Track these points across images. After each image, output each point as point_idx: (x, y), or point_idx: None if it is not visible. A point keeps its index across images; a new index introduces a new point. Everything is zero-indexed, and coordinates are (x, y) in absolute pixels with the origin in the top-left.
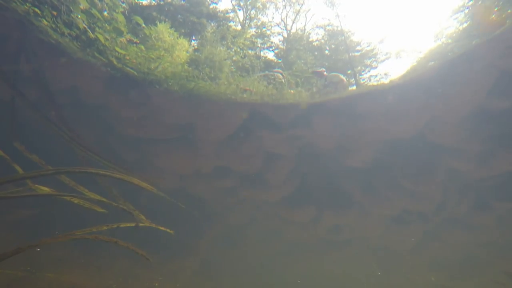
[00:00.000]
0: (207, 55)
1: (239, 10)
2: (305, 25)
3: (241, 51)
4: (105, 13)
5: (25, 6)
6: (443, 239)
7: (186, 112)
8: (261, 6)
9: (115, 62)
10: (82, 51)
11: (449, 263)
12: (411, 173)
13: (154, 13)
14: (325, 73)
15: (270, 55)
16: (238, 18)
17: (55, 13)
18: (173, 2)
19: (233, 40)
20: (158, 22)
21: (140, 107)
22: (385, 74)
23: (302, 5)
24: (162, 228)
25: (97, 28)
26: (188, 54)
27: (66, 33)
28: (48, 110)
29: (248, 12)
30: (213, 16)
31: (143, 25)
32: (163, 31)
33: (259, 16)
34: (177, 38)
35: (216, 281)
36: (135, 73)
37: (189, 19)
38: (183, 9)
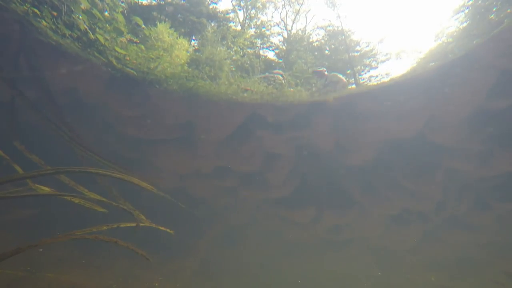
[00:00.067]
0: (207, 55)
1: (239, 10)
2: (305, 25)
3: (241, 51)
4: (106, 13)
5: (25, 7)
6: (443, 239)
7: (186, 111)
8: (261, 6)
9: (115, 62)
10: (82, 51)
11: (449, 263)
12: (411, 173)
13: (154, 13)
14: (325, 72)
15: (271, 55)
16: (238, 18)
17: (55, 13)
18: (173, 2)
19: (233, 40)
20: (158, 22)
21: (140, 107)
22: (386, 74)
23: (301, 5)
24: (162, 228)
25: (97, 29)
26: (188, 54)
27: (67, 34)
28: (48, 110)
29: (248, 12)
30: (213, 16)
31: (143, 25)
32: (163, 31)
33: (259, 15)
34: (177, 38)
35: (216, 281)
36: (135, 73)
37: (189, 19)
38: (183, 9)
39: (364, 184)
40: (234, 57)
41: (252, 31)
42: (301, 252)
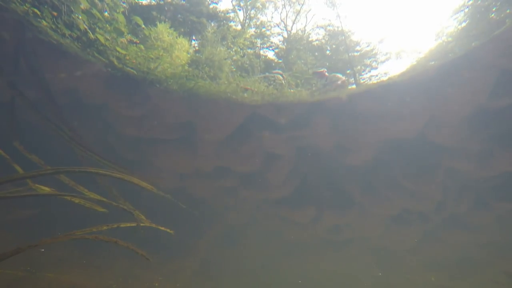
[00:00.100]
0: (207, 55)
1: (239, 10)
2: (305, 25)
3: (241, 51)
4: (106, 13)
5: (25, 7)
6: (443, 239)
7: (186, 111)
8: (260, 6)
9: (115, 62)
10: (82, 51)
11: (449, 263)
12: (411, 173)
13: (154, 13)
14: (326, 73)
15: (271, 55)
16: (238, 18)
17: (55, 13)
18: (173, 2)
19: (233, 40)
20: (158, 22)
21: (140, 106)
22: (386, 74)
23: (302, 5)
24: (162, 228)
25: (97, 29)
26: (188, 55)
27: (66, 34)
28: (48, 110)
29: (248, 12)
30: (213, 16)
31: (143, 25)
32: (163, 31)
33: (259, 15)
34: (176, 37)
35: (216, 281)
36: (135, 73)
37: (189, 19)
38: (183, 9)
39: (364, 184)
40: (234, 57)
41: (252, 31)
42: (301, 252)
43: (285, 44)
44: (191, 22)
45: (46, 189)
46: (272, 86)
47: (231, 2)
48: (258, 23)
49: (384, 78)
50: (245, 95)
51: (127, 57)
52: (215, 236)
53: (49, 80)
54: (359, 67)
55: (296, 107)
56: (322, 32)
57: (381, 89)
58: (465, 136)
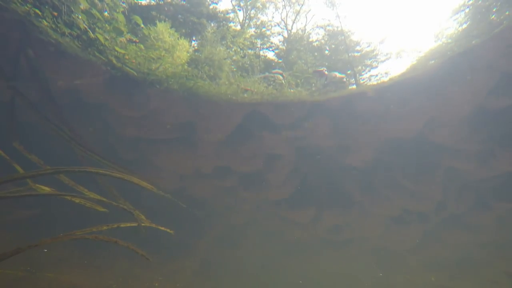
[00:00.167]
0: (207, 55)
1: (239, 10)
2: (305, 25)
3: (241, 51)
4: (106, 13)
5: (26, 7)
6: (443, 239)
7: (186, 111)
8: (260, 6)
9: (114, 61)
10: (82, 51)
11: (449, 263)
12: (411, 173)
13: (154, 13)
14: (325, 72)
15: (271, 55)
16: (238, 18)
17: (55, 13)
18: (173, 2)
19: (233, 40)
20: (157, 22)
21: (140, 106)
22: (386, 73)
23: (302, 5)
24: (162, 228)
25: (97, 28)
26: (188, 54)
27: (66, 33)
28: (48, 110)
29: (248, 12)
30: (213, 16)
31: (142, 25)
32: (163, 31)
33: (259, 15)
34: (178, 38)
35: (216, 281)
36: (135, 73)
37: (190, 19)
38: (183, 9)
39: (364, 184)
40: (234, 57)
41: (252, 31)
42: (301, 252)
43: (285, 44)
44: (191, 23)
45: (46, 189)
46: (271, 86)
47: (231, 2)
48: (258, 23)
49: (385, 79)
50: (245, 95)
51: (127, 57)
52: (215, 236)
53: (49, 79)
54: (359, 67)
55: (296, 107)
56: (322, 32)
57: (382, 90)
58: (465, 136)
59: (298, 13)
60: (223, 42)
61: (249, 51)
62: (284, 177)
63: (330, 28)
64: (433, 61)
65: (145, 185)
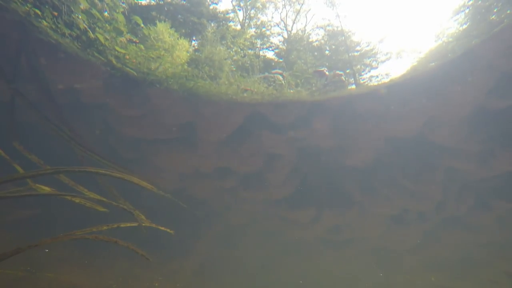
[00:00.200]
0: (207, 55)
1: (239, 10)
2: (305, 25)
3: (241, 51)
4: (105, 13)
5: (26, 7)
6: (443, 239)
7: (186, 111)
8: (260, 6)
9: (114, 62)
10: (82, 51)
11: (449, 263)
12: (411, 173)
13: (154, 13)
14: (326, 72)
15: (270, 55)
16: (238, 18)
17: (55, 13)
18: (173, 2)
19: (233, 40)
20: (157, 22)
21: (140, 106)
22: (386, 74)
23: (302, 5)
24: (162, 228)
25: (97, 28)
26: (188, 54)
27: (66, 34)
28: (48, 110)
29: (248, 12)
30: (213, 16)
31: (142, 25)
32: (163, 31)
33: (259, 15)
34: (178, 38)
35: (216, 281)
36: (135, 73)
37: (190, 20)
38: (183, 9)
39: (364, 184)
40: (234, 57)
41: (252, 31)
42: (301, 252)
43: (285, 44)
44: (191, 23)
45: (47, 189)
46: (272, 86)
47: (231, 2)
48: (258, 23)
49: (386, 80)
50: (245, 95)
51: (127, 57)
52: (215, 236)
53: (49, 79)
54: (359, 66)
55: (296, 107)
56: (321, 32)
57: (381, 90)
58: (465, 136)
59: (298, 12)
60: (223, 42)
61: (249, 51)
62: (284, 177)
63: (330, 28)
64: (433, 63)
65: (145, 185)
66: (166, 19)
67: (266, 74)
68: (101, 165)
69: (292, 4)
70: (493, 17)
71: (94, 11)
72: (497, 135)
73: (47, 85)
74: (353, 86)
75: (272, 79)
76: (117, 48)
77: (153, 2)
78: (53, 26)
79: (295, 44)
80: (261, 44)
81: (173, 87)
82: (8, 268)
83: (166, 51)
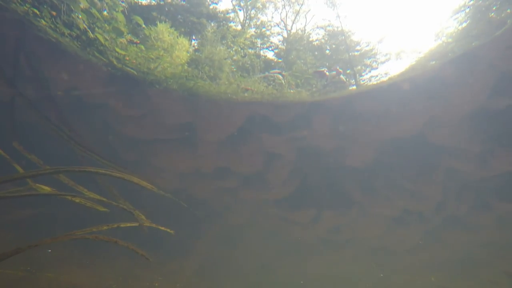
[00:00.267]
0: (207, 55)
1: (240, 10)
2: (305, 25)
3: (242, 51)
4: (105, 13)
5: (25, 7)
6: (443, 239)
7: (186, 111)
8: (260, 6)
9: (115, 62)
10: (82, 51)
11: (449, 263)
12: (411, 173)
13: (154, 13)
14: (326, 73)
15: (270, 55)
16: (238, 18)
17: (54, 13)
18: (173, 2)
19: (233, 39)
20: (158, 22)
21: (140, 106)
22: (385, 74)
23: (301, 5)
24: (162, 228)
25: (96, 28)
26: (188, 54)
27: (66, 33)
28: (48, 110)
29: (248, 12)
30: (213, 16)
31: (143, 25)
32: (163, 31)
33: (259, 15)
34: (177, 37)
35: (216, 281)
36: (135, 73)
37: (189, 19)
38: (183, 9)
39: (364, 184)
40: (234, 57)
41: (252, 31)
42: (301, 252)
43: (285, 44)
44: (191, 23)
45: (47, 189)
46: (271, 86)
47: (231, 2)
48: (258, 23)
49: (384, 79)
50: (245, 95)
51: (127, 58)
52: (215, 236)
53: (49, 79)
54: (359, 67)
55: (296, 107)
56: (322, 32)
57: (382, 90)
58: (465, 136)
59: (297, 13)
60: (223, 42)
61: (250, 50)
62: (284, 177)
63: (330, 28)
64: (433, 62)
65: (145, 185)
66: (166, 20)
67: (266, 73)
68: (101, 165)
69: (292, 4)
70: (492, 14)
71: (93, 10)
72: (497, 135)
73: (47, 85)
74: (354, 87)
75: (272, 79)
76: (117, 49)
77: (153, 2)
78: (52, 26)
79: (294, 44)
80: (261, 44)
81: (172, 87)
82: (8, 268)
83: (165, 51)
